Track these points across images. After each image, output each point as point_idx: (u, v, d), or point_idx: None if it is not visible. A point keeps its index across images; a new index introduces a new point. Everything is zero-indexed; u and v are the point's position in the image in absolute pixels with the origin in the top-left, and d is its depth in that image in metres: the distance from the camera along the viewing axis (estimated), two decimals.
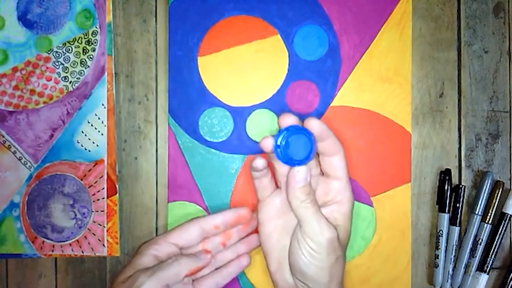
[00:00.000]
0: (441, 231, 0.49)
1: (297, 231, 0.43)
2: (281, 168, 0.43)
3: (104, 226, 0.48)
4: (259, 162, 0.43)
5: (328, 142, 0.43)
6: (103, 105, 0.48)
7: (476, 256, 0.49)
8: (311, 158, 0.43)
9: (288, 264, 0.44)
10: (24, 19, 0.48)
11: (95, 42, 0.48)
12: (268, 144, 0.42)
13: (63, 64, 0.48)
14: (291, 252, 0.44)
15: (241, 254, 0.46)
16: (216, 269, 0.46)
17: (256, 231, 0.47)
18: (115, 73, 0.49)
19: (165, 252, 0.44)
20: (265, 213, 0.45)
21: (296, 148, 0.42)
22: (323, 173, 0.45)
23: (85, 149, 0.48)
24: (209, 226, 0.45)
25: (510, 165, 0.51)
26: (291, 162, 0.42)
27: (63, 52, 0.48)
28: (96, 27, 0.48)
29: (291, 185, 0.42)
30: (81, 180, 0.48)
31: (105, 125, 0.48)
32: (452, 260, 0.49)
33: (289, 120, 0.42)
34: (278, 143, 0.42)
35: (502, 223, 0.49)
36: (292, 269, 0.44)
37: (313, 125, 0.42)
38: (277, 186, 0.46)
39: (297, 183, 0.42)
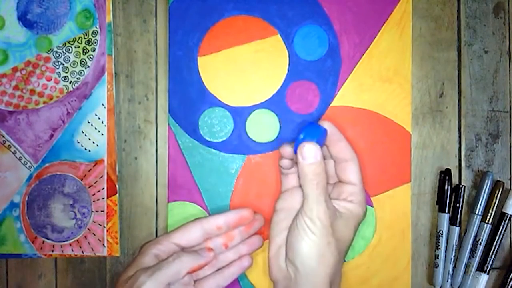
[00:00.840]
0: (441, 231, 0.49)
1: (299, 211, 0.44)
2: None
3: (104, 226, 0.48)
4: (286, 149, 0.45)
5: (340, 145, 0.45)
6: (103, 105, 0.48)
7: (476, 256, 0.49)
8: (321, 140, 0.44)
9: (285, 246, 0.45)
10: (24, 19, 0.48)
11: (95, 42, 0.48)
12: (288, 152, 0.44)
13: (63, 64, 0.48)
14: (289, 230, 0.44)
15: (242, 255, 0.47)
16: (218, 270, 0.46)
17: (258, 232, 0.47)
18: (115, 73, 0.49)
19: (166, 252, 0.44)
20: (283, 203, 0.46)
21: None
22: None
23: (85, 149, 0.48)
24: (211, 226, 0.45)
25: (510, 165, 0.51)
26: None
27: (63, 52, 0.48)
28: (96, 27, 0.48)
29: (300, 161, 0.43)
30: (81, 180, 0.48)
31: (105, 125, 0.48)
32: (452, 260, 0.49)
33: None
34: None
35: (502, 223, 0.49)
36: (286, 248, 0.44)
37: (324, 124, 0.45)
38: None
39: (304, 159, 0.43)
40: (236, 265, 0.46)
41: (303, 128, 0.43)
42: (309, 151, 0.43)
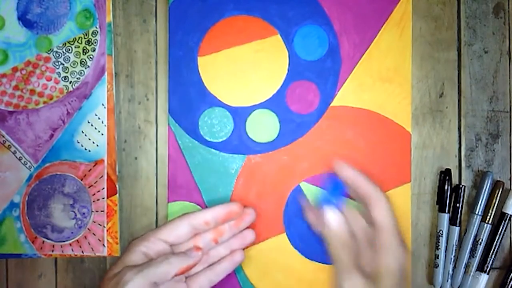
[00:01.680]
0: (441, 231, 0.49)
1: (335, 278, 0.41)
2: None
3: (104, 226, 0.48)
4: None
5: (358, 180, 0.41)
6: (103, 105, 0.48)
7: (476, 256, 0.49)
8: (339, 192, 0.42)
9: None
10: (24, 19, 0.48)
11: (95, 42, 0.48)
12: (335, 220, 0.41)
13: (63, 64, 0.48)
14: None
15: (234, 250, 0.46)
16: (210, 265, 0.46)
17: (250, 226, 0.47)
18: (115, 73, 0.49)
19: (154, 249, 0.43)
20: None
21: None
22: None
23: (85, 149, 0.48)
24: (199, 222, 0.44)
25: (510, 165, 0.51)
26: None
27: (63, 52, 0.48)
28: (96, 27, 0.48)
29: (326, 226, 0.41)
30: (81, 180, 0.48)
31: (105, 125, 0.48)
32: (452, 260, 0.49)
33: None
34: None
35: (502, 223, 0.49)
36: None
37: (344, 171, 0.41)
38: None
39: (328, 226, 0.40)
40: (228, 260, 0.46)
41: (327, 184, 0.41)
42: (331, 219, 0.40)
